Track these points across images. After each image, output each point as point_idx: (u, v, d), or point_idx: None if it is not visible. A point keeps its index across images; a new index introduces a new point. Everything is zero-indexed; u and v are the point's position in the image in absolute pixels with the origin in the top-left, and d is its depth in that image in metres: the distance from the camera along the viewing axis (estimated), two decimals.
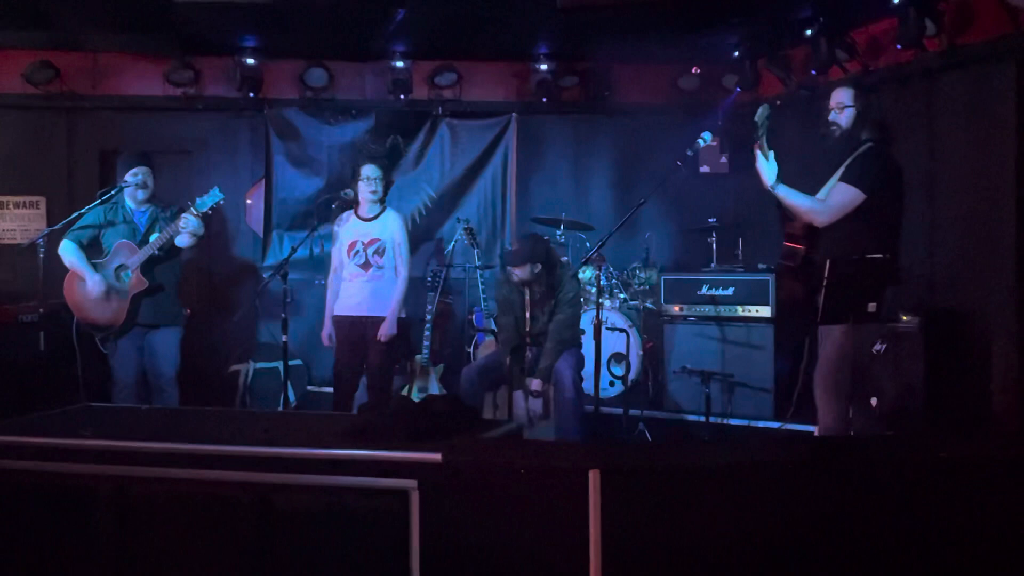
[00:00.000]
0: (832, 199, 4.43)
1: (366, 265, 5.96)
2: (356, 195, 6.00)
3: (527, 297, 5.94)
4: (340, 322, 6.03)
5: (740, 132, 7.96)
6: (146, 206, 5.84)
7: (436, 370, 7.06)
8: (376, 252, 5.95)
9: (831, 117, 4.57)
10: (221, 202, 5.69)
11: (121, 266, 5.69)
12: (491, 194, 8.41)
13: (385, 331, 5.93)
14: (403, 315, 6.14)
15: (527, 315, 5.94)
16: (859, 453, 3.46)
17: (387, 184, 6.10)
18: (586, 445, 4.99)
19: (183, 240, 5.68)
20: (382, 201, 6.07)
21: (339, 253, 6.08)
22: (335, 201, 6.13)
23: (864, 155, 4.47)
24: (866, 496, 3.06)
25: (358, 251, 5.97)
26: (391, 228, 6.02)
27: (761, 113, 4.38)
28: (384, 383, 6.10)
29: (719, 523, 2.99)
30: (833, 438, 4.87)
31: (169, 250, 5.74)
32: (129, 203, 5.82)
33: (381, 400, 5.95)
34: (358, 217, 6.03)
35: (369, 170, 5.98)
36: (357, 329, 5.98)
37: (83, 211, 5.86)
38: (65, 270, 5.80)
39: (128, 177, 5.76)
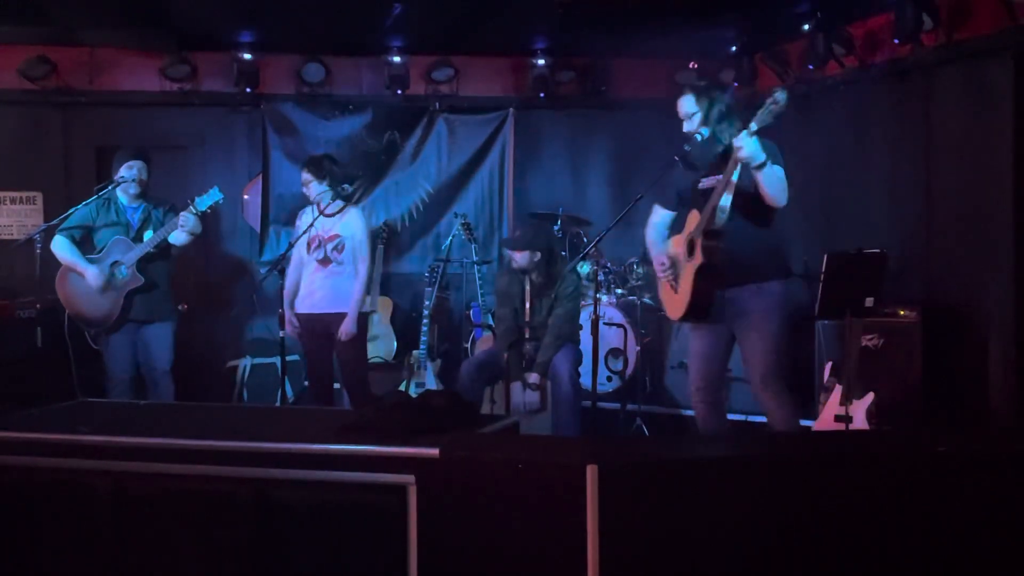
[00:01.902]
0: (783, 180, 4.38)
1: (325, 260, 5.92)
2: (352, 190, 5.99)
3: (526, 288, 5.95)
4: (303, 320, 5.98)
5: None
6: (139, 202, 5.84)
7: (433, 366, 7.06)
8: (336, 248, 5.91)
9: (686, 129, 4.60)
10: (220, 202, 5.69)
11: (116, 263, 5.69)
12: (488, 189, 8.40)
13: (346, 329, 5.84)
14: (371, 310, 6.07)
15: (526, 306, 5.95)
16: (856, 448, 3.46)
17: (334, 180, 5.96)
18: (584, 440, 4.99)
19: (180, 238, 5.68)
20: (348, 198, 6.05)
21: (299, 249, 6.01)
22: (332, 197, 6.11)
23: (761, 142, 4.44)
24: (863, 491, 3.06)
25: (317, 246, 5.94)
26: (352, 225, 5.96)
27: (780, 98, 4.15)
28: (358, 380, 6.05)
29: (716, 518, 2.99)
30: (832, 433, 4.89)
31: (163, 248, 5.74)
32: (122, 199, 5.82)
33: (361, 399, 5.92)
34: (320, 213, 5.95)
35: (303, 175, 5.94)
36: (321, 326, 5.93)
37: (79, 207, 5.86)
38: (59, 266, 5.80)
39: (123, 171, 5.76)
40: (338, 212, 5.98)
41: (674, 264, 4.70)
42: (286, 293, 6.00)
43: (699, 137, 4.75)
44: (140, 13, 7.02)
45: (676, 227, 4.80)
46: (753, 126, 4.20)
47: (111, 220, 5.79)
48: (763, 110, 4.16)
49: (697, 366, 4.72)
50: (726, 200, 4.38)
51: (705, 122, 4.54)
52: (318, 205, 5.94)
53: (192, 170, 8.01)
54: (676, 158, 4.78)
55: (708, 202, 4.44)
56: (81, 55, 7.80)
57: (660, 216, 4.90)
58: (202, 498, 3.33)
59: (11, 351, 6.30)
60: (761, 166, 4.27)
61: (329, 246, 5.92)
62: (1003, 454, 3.22)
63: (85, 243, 5.80)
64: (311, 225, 5.88)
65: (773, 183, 4.32)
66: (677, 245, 4.71)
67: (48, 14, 6.96)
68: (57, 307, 6.01)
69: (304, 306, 5.99)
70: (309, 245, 5.96)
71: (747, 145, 4.22)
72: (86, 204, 5.83)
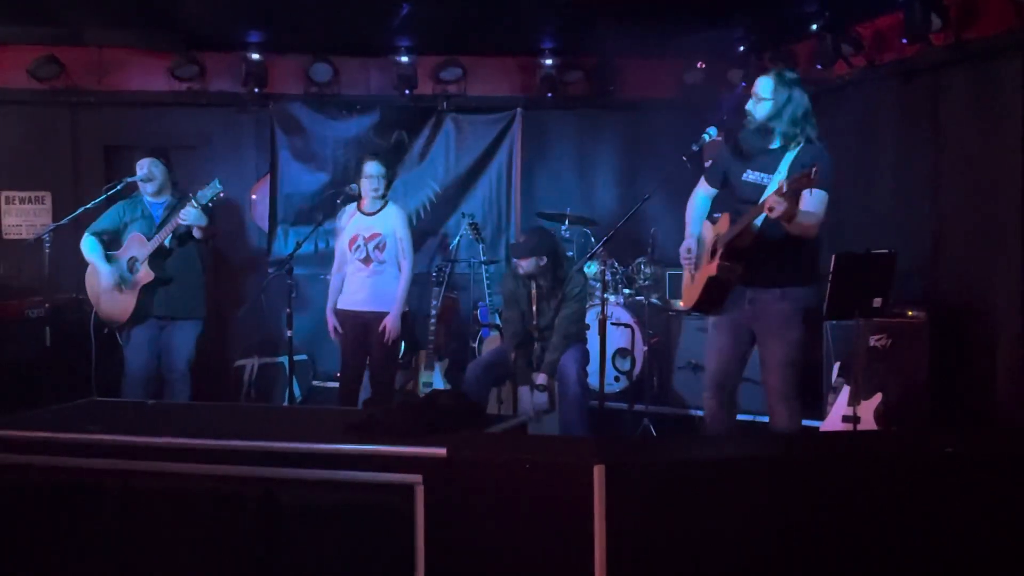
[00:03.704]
0: (819, 209, 4.23)
1: (367, 260, 5.95)
2: (359, 190, 6.00)
3: (533, 291, 5.96)
4: (343, 316, 6.02)
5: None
6: (164, 197, 5.88)
7: (441, 365, 7.06)
8: (377, 247, 5.94)
9: (748, 106, 4.39)
10: (222, 194, 5.69)
11: (132, 258, 5.72)
12: (496, 189, 8.39)
13: (391, 326, 5.91)
14: (406, 309, 6.11)
15: (533, 309, 5.95)
16: (864, 449, 3.46)
17: (389, 180, 6.08)
18: (591, 440, 4.99)
19: (194, 231, 5.71)
20: (384, 196, 6.06)
21: (341, 248, 6.07)
22: (340, 196, 6.13)
23: (819, 155, 4.26)
24: (871, 492, 3.06)
25: (359, 246, 5.95)
26: (392, 223, 6.00)
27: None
28: (387, 378, 6.10)
29: (724, 518, 2.99)
30: (840, 434, 4.88)
31: (182, 242, 5.75)
32: (147, 197, 5.87)
33: (384, 395, 5.95)
34: (360, 212, 6.02)
35: (371, 167, 5.96)
36: (360, 324, 5.97)
37: (89, 205, 5.95)
38: (84, 265, 5.84)
39: (137, 170, 5.82)
40: (378, 211, 6.01)
41: (700, 252, 4.58)
42: (331, 294, 6.04)
43: (706, 137, 4.73)
44: (148, 13, 7.04)
45: (720, 206, 4.64)
46: (784, 187, 3.98)
47: (136, 216, 5.84)
48: (796, 182, 3.93)
49: (714, 362, 4.62)
50: (758, 220, 4.23)
51: (774, 114, 4.33)
52: (359, 203, 5.96)
53: (200, 170, 7.99)
54: (684, 158, 4.75)
55: (741, 214, 4.30)
56: (90, 55, 7.82)
57: (704, 189, 4.72)
58: (210, 497, 3.34)
59: (20, 351, 6.32)
60: (791, 219, 4.07)
61: (370, 245, 5.94)
62: (1010, 455, 3.22)
63: (114, 244, 5.84)
64: (318, 226, 5.90)
65: (800, 227, 4.14)
66: (708, 233, 4.59)
67: (57, 15, 6.98)
68: (68, 306, 6.04)
69: (346, 303, 6.02)
70: (351, 244, 5.97)
71: (780, 207, 3.98)
72: (96, 202, 5.89)
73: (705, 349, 4.78)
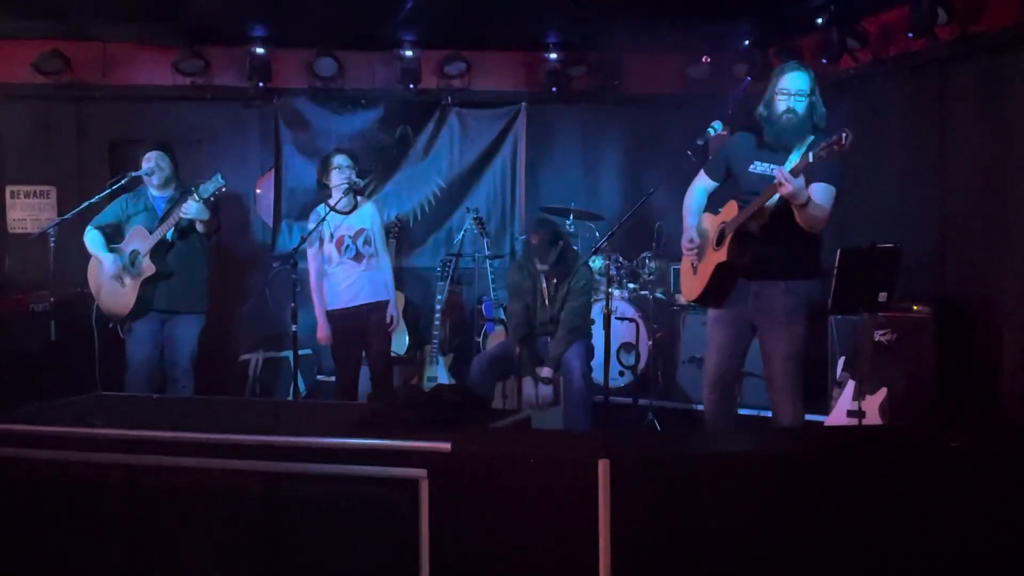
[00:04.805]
0: (827, 203, 4.21)
1: (358, 256, 5.98)
2: (361, 184, 5.99)
3: (542, 284, 5.97)
4: (338, 316, 6.01)
5: (750, 122, 7.95)
6: (168, 191, 5.88)
7: (445, 359, 7.06)
8: (365, 242, 5.98)
9: (790, 104, 4.28)
10: (223, 188, 5.67)
11: (134, 252, 5.73)
12: (500, 183, 8.39)
13: (393, 314, 6.05)
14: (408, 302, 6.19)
15: (539, 302, 5.97)
16: (870, 443, 3.45)
17: (360, 173, 6.06)
18: (595, 435, 4.99)
19: (198, 225, 5.71)
20: (355, 193, 6.02)
21: (323, 251, 6.01)
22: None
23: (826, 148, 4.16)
24: (877, 487, 3.06)
25: (347, 245, 5.97)
26: (371, 217, 6.07)
27: (847, 139, 3.84)
28: (387, 370, 6.13)
29: (728, 513, 2.99)
30: (845, 428, 4.87)
31: (184, 235, 5.74)
32: (151, 190, 5.88)
33: (386, 389, 5.97)
34: (338, 212, 5.93)
35: (340, 159, 5.96)
36: (357, 319, 5.99)
37: (94, 200, 5.96)
38: (88, 260, 5.85)
39: (143, 163, 5.82)
40: (354, 208, 6.01)
41: (702, 243, 4.56)
42: (316, 299, 6.05)
43: (711, 132, 4.72)
44: (152, 8, 7.03)
45: (717, 199, 4.62)
46: (811, 156, 3.94)
47: (139, 209, 5.84)
48: (826, 148, 3.86)
49: (714, 357, 4.61)
50: (771, 202, 4.21)
51: (811, 109, 4.29)
52: (329, 201, 5.93)
53: (204, 164, 8.01)
54: (689, 152, 4.74)
55: (749, 202, 4.28)
56: (94, 50, 7.83)
57: (703, 182, 4.66)
58: (215, 492, 3.34)
59: (25, 345, 6.33)
60: (803, 205, 4.06)
61: (359, 241, 5.97)
62: (1016, 450, 3.21)
63: (117, 237, 5.84)
64: (323, 220, 5.89)
65: (809, 217, 4.12)
66: (709, 224, 4.57)
67: (61, 9, 6.98)
68: (73, 300, 6.04)
69: (341, 303, 6.01)
70: (339, 245, 5.97)
71: (792, 184, 3.97)
72: (102, 196, 5.88)
73: (706, 345, 4.77)
